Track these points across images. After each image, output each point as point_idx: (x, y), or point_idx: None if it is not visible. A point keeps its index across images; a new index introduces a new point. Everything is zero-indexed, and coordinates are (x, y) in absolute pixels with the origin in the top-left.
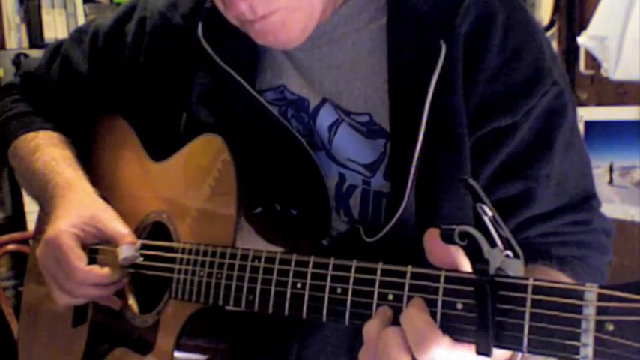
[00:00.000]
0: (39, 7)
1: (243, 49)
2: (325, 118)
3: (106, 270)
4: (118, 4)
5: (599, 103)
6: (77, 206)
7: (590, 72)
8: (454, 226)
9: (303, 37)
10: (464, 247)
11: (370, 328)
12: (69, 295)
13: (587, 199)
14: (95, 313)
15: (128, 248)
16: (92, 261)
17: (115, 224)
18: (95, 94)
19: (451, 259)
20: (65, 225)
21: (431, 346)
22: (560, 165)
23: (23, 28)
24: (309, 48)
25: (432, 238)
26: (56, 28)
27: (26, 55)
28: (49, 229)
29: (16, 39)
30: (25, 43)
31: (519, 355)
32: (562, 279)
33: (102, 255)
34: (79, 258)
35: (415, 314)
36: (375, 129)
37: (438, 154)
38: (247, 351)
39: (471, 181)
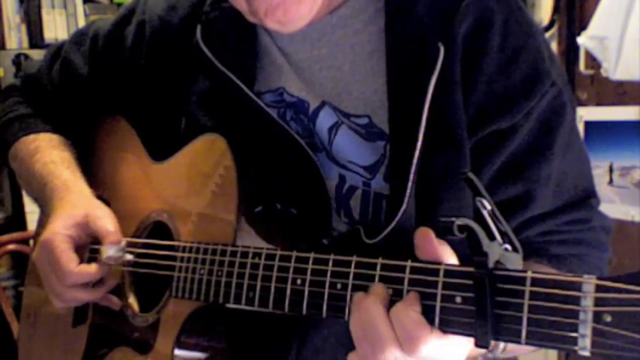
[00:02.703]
0: (39, 7)
1: (242, 52)
2: (325, 120)
3: (93, 267)
4: (118, 5)
5: (599, 103)
6: (72, 207)
7: (590, 72)
8: (453, 219)
9: (310, 16)
10: (463, 240)
11: (362, 301)
12: (58, 298)
13: (587, 198)
14: (95, 313)
15: (111, 247)
16: (92, 261)
17: (104, 222)
18: (95, 96)
19: (438, 257)
20: (58, 227)
21: (419, 345)
22: (560, 165)
23: (23, 28)
24: (308, 49)
25: (423, 235)
26: (56, 28)
27: (26, 55)
28: (44, 231)
29: (16, 39)
30: (25, 43)
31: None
32: None
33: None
34: (70, 260)
35: (403, 312)
36: (374, 131)
37: (437, 155)
38: (247, 350)
39: (471, 175)
